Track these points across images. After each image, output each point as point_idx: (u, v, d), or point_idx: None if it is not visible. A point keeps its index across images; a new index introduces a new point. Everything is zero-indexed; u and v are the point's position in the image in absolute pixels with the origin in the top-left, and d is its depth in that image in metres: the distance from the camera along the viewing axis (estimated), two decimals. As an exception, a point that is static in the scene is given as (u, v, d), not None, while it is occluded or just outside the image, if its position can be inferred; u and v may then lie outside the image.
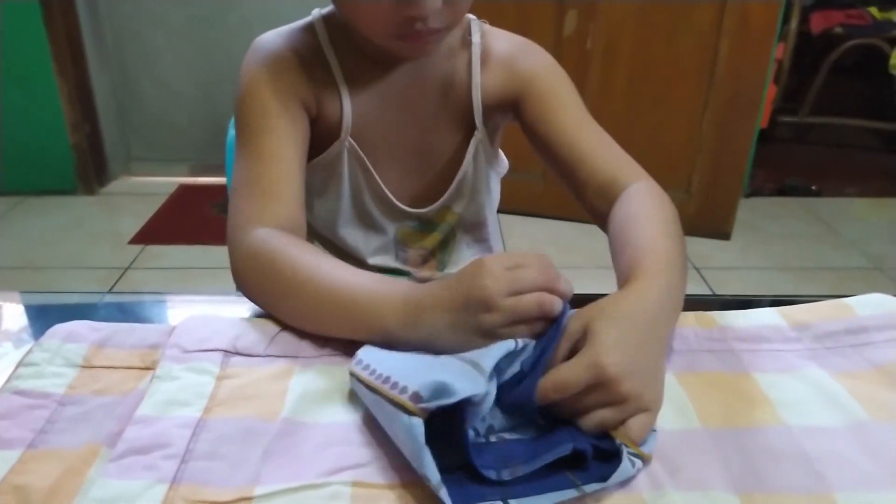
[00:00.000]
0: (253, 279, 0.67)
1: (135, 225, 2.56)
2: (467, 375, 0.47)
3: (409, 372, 0.49)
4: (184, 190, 2.86)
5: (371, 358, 0.53)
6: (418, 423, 0.44)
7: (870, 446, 0.51)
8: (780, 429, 0.53)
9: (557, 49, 2.35)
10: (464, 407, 0.45)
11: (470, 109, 0.84)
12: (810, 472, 0.48)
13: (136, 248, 2.42)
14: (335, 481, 0.47)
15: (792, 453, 0.50)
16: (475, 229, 0.95)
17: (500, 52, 0.84)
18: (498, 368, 0.50)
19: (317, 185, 0.86)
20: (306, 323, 0.62)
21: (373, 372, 0.51)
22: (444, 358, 0.52)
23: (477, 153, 0.87)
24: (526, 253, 0.55)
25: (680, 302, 0.61)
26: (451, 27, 0.72)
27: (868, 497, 0.47)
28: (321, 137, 0.81)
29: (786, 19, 2.75)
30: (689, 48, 2.35)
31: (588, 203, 0.80)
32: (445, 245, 0.95)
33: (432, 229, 0.92)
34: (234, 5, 2.80)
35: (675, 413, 0.54)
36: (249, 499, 0.45)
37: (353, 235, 0.90)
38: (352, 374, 0.53)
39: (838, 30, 3.09)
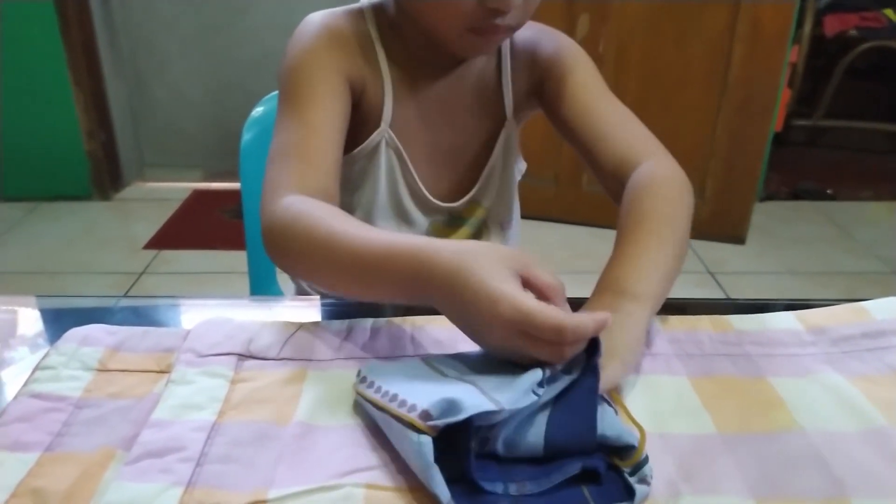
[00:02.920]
0: (284, 243, 0.65)
1: (149, 230, 2.58)
2: (473, 394, 0.47)
3: (416, 389, 0.49)
4: (197, 196, 2.88)
5: (376, 375, 0.53)
6: (427, 442, 0.44)
7: (887, 451, 0.50)
8: (796, 434, 0.52)
9: (569, 53, 2.34)
10: (470, 423, 0.45)
11: (500, 102, 0.86)
12: (827, 478, 0.48)
13: (151, 253, 2.44)
14: (348, 483, 0.47)
15: (808, 458, 0.50)
16: (504, 228, 0.95)
17: (523, 41, 0.85)
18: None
19: (355, 177, 0.85)
20: (341, 284, 0.62)
21: (378, 389, 0.51)
22: (452, 377, 0.51)
23: (506, 145, 0.88)
24: (548, 312, 0.49)
25: (670, 265, 0.66)
26: (520, 26, 0.73)
27: (886, 502, 0.46)
28: (361, 125, 0.81)
29: (800, 22, 2.74)
30: (702, 52, 2.34)
31: (605, 181, 0.81)
32: (477, 240, 0.93)
33: (461, 224, 0.91)
34: (245, 13, 2.82)
35: (690, 418, 0.54)
36: (264, 501, 0.45)
37: (386, 228, 0.89)
38: (358, 394, 0.53)
39: (853, 32, 3.07)
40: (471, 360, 0.54)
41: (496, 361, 0.52)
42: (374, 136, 0.82)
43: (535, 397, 0.47)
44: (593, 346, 0.50)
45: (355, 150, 0.82)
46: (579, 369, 0.50)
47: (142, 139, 3.05)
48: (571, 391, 0.50)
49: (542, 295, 0.53)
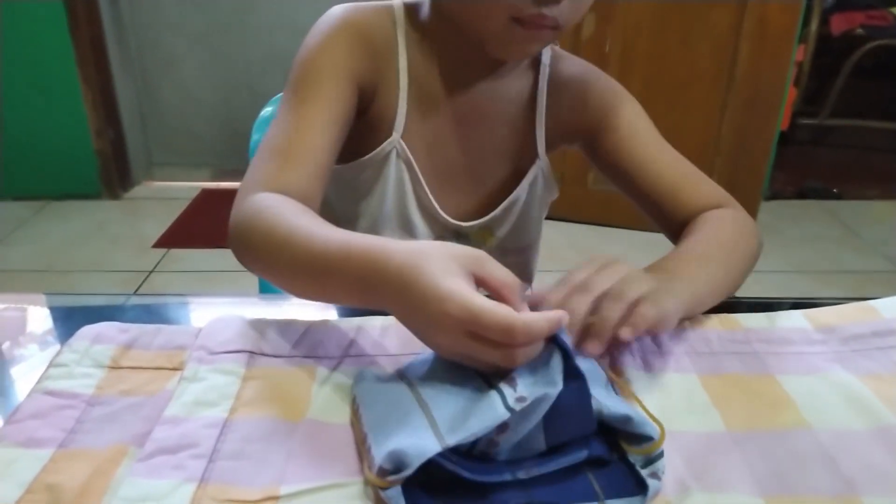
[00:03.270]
0: (244, 239, 0.64)
1: (158, 229, 2.59)
2: (424, 436, 0.45)
3: (379, 425, 0.48)
4: (206, 194, 2.89)
5: (361, 398, 0.53)
6: (395, 494, 0.43)
7: (896, 449, 0.50)
8: (805, 432, 0.52)
9: (576, 52, 2.33)
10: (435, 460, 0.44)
11: (531, 136, 0.83)
12: (836, 476, 0.48)
13: (160, 251, 2.45)
14: (358, 481, 0.47)
15: (817, 457, 0.50)
16: (515, 254, 0.92)
17: (572, 78, 0.82)
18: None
19: (363, 186, 0.82)
20: (297, 284, 0.61)
21: (360, 419, 0.51)
22: (417, 405, 0.49)
23: (534, 182, 0.85)
24: (496, 311, 0.46)
25: (717, 280, 0.67)
26: (567, 26, 0.69)
27: (895, 501, 0.46)
28: (370, 132, 0.79)
29: (806, 21, 2.73)
30: (708, 50, 2.34)
31: (673, 232, 0.80)
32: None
33: (471, 245, 0.89)
34: (253, 12, 2.82)
35: (699, 416, 0.54)
36: (276, 498, 0.45)
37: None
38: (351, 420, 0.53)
39: (859, 31, 3.07)
40: (439, 371, 0.52)
41: (460, 374, 0.50)
42: (385, 146, 0.79)
43: (508, 413, 0.45)
44: (565, 348, 0.47)
45: (364, 158, 0.80)
46: (558, 378, 0.47)
47: (151, 138, 3.06)
48: (562, 397, 0.46)
49: (497, 294, 0.51)
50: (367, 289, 0.53)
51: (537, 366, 0.47)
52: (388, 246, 0.53)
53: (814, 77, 3.13)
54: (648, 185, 0.80)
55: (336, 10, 0.76)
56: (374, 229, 0.84)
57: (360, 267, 0.53)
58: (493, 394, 0.46)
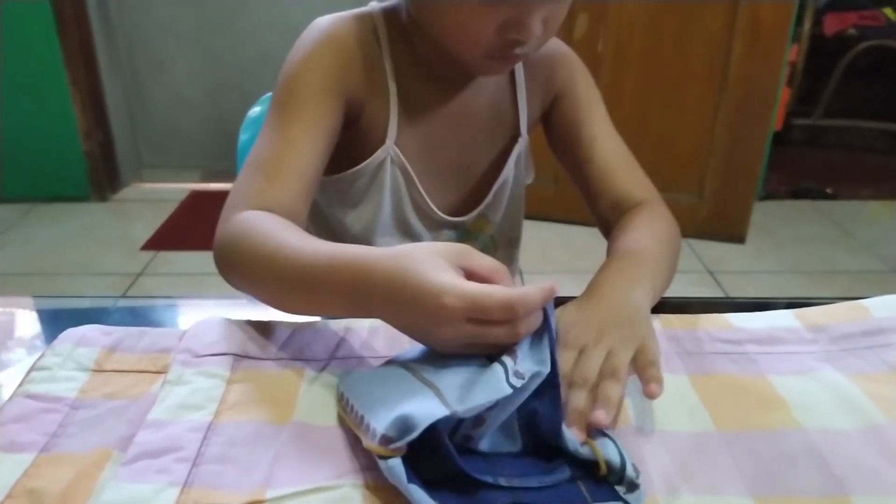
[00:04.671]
0: (230, 257, 0.64)
1: (146, 231, 2.57)
2: (429, 401, 0.46)
3: (379, 405, 0.48)
4: (195, 196, 2.88)
5: (349, 390, 0.52)
6: (396, 465, 0.43)
7: (887, 449, 0.50)
8: (795, 432, 0.52)
9: (568, 53, 2.34)
10: (437, 428, 0.44)
11: (515, 117, 0.84)
12: (827, 476, 0.48)
13: (148, 254, 2.43)
14: (345, 484, 0.46)
15: (808, 456, 0.50)
16: (512, 245, 0.93)
17: (542, 54, 0.83)
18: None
19: (357, 194, 0.82)
20: (286, 299, 0.61)
21: (351, 409, 0.50)
22: (417, 379, 0.50)
23: (518, 160, 0.87)
24: (493, 292, 0.48)
25: (655, 286, 0.67)
26: (538, 49, 0.72)
27: (885, 500, 0.46)
28: (364, 141, 0.79)
29: (799, 21, 2.74)
30: (701, 50, 2.34)
31: (598, 212, 0.83)
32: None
33: (470, 238, 0.90)
34: (242, 13, 2.81)
35: (689, 416, 0.54)
36: (261, 501, 0.45)
37: (390, 245, 0.86)
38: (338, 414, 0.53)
39: (852, 31, 3.07)
40: (436, 355, 0.52)
41: (458, 357, 0.51)
42: (379, 154, 0.79)
43: (510, 389, 0.46)
44: (546, 330, 0.50)
45: (357, 168, 0.80)
46: (547, 358, 0.49)
47: (139, 140, 3.05)
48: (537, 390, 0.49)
49: (488, 281, 0.52)
50: (356, 298, 0.54)
51: (531, 342, 0.50)
52: (372, 254, 0.54)
53: (807, 77, 3.14)
54: (589, 161, 0.83)
55: (319, 24, 0.76)
56: (369, 236, 0.84)
57: (347, 278, 0.54)
58: (497, 366, 0.48)
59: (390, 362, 0.55)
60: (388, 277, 0.51)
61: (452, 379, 0.49)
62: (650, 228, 0.75)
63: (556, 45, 0.86)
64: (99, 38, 2.75)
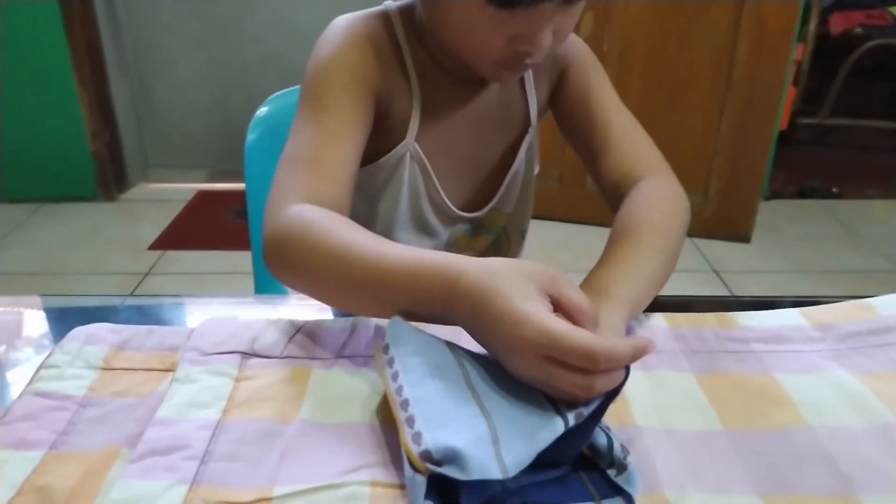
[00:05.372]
0: (289, 254, 0.62)
1: (154, 231, 2.58)
2: (484, 447, 0.44)
3: (432, 414, 0.46)
4: (201, 196, 2.88)
5: (397, 350, 0.51)
6: (421, 481, 0.42)
7: (894, 447, 0.50)
8: (802, 430, 0.52)
9: (573, 52, 2.34)
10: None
11: (525, 109, 0.84)
12: (834, 474, 0.48)
13: (156, 253, 2.44)
14: (353, 481, 0.46)
15: (815, 455, 0.49)
16: (521, 237, 0.93)
17: None
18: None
19: (377, 187, 0.83)
20: (354, 300, 0.60)
21: (395, 376, 0.49)
22: (472, 400, 0.48)
23: (529, 150, 0.87)
24: (577, 336, 0.46)
25: (655, 273, 0.66)
26: (546, 56, 0.71)
27: (893, 499, 0.46)
28: (386, 137, 0.79)
29: (804, 20, 2.73)
30: (706, 50, 2.34)
31: (605, 191, 0.82)
32: (497, 247, 0.93)
33: (483, 232, 0.90)
34: (249, 14, 2.82)
35: (696, 414, 0.54)
36: (269, 499, 0.45)
37: (406, 239, 0.86)
38: (377, 364, 0.52)
39: (858, 30, 3.06)
40: (501, 380, 0.50)
41: (524, 389, 0.49)
42: (399, 149, 0.79)
43: (563, 428, 0.44)
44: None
45: (379, 161, 0.80)
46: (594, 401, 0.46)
47: (146, 140, 3.06)
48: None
49: (571, 318, 0.50)
50: (437, 307, 0.53)
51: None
52: (459, 263, 0.53)
53: (813, 76, 3.13)
54: (594, 139, 0.82)
55: (341, 21, 0.77)
56: (388, 230, 0.84)
57: (432, 284, 0.53)
58: (558, 419, 0.45)
59: (453, 349, 0.53)
60: (474, 292, 0.50)
61: (513, 425, 0.46)
62: (656, 204, 0.73)
63: None
64: (106, 38, 2.76)
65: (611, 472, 0.46)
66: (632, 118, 0.83)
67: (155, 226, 2.62)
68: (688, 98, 2.41)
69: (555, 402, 0.47)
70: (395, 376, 0.50)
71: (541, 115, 0.87)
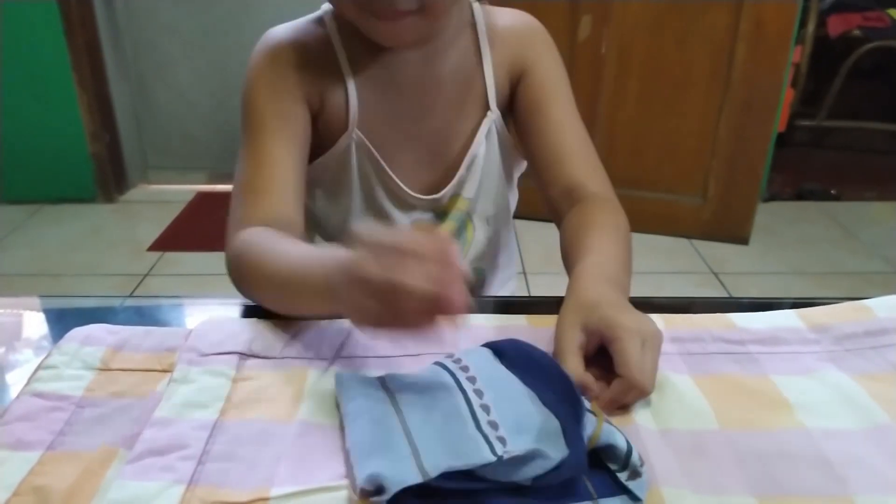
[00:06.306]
0: (240, 273, 0.69)
1: (153, 232, 2.58)
2: (404, 462, 0.45)
3: (360, 445, 0.47)
4: (202, 198, 2.88)
5: (346, 408, 0.52)
6: None
7: (890, 449, 0.50)
8: (798, 431, 0.52)
9: (572, 54, 2.34)
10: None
11: (483, 91, 0.84)
12: (830, 476, 0.48)
13: (155, 255, 2.44)
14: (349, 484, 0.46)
15: (811, 456, 0.50)
16: (490, 222, 0.93)
17: (505, 29, 0.84)
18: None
19: (328, 184, 0.85)
20: (287, 305, 0.64)
21: (344, 430, 0.50)
22: (400, 428, 0.49)
23: (490, 134, 0.86)
24: (420, 241, 0.48)
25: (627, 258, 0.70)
26: (433, 10, 0.70)
27: (888, 501, 0.46)
28: (328, 132, 0.81)
29: (803, 22, 2.73)
30: (704, 52, 2.34)
31: (550, 199, 0.83)
32: (462, 234, 0.92)
33: (445, 219, 0.89)
34: (248, 15, 2.82)
35: (692, 415, 0.54)
36: (266, 500, 0.45)
37: None
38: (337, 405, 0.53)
39: (856, 32, 3.06)
40: (428, 395, 0.52)
41: (451, 402, 0.50)
42: (342, 141, 0.81)
43: (494, 457, 0.45)
44: (577, 410, 0.48)
45: (324, 157, 0.82)
46: (561, 443, 0.47)
47: (146, 141, 3.06)
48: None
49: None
50: (327, 296, 0.55)
51: (527, 424, 0.48)
52: (342, 252, 0.54)
53: (811, 78, 3.13)
54: (545, 145, 0.82)
55: (267, 37, 0.81)
56: (346, 222, 0.87)
57: (318, 277, 0.56)
58: (480, 439, 0.47)
59: (381, 381, 0.54)
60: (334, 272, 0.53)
61: (432, 435, 0.47)
62: (611, 230, 0.74)
63: (523, 18, 0.86)
64: (106, 40, 2.76)
65: (622, 475, 0.46)
66: (583, 133, 0.84)
67: (154, 227, 2.62)
68: (686, 100, 2.41)
69: (475, 415, 0.49)
70: (343, 426, 0.51)
71: (503, 104, 0.86)
